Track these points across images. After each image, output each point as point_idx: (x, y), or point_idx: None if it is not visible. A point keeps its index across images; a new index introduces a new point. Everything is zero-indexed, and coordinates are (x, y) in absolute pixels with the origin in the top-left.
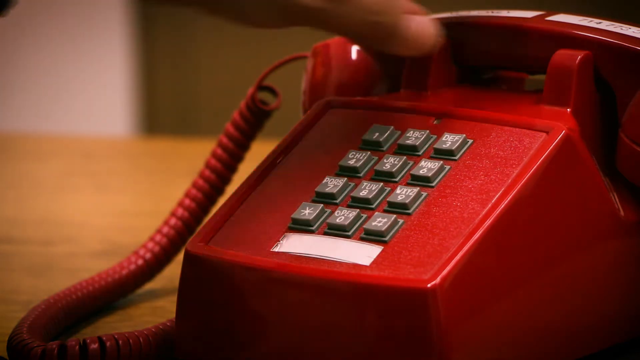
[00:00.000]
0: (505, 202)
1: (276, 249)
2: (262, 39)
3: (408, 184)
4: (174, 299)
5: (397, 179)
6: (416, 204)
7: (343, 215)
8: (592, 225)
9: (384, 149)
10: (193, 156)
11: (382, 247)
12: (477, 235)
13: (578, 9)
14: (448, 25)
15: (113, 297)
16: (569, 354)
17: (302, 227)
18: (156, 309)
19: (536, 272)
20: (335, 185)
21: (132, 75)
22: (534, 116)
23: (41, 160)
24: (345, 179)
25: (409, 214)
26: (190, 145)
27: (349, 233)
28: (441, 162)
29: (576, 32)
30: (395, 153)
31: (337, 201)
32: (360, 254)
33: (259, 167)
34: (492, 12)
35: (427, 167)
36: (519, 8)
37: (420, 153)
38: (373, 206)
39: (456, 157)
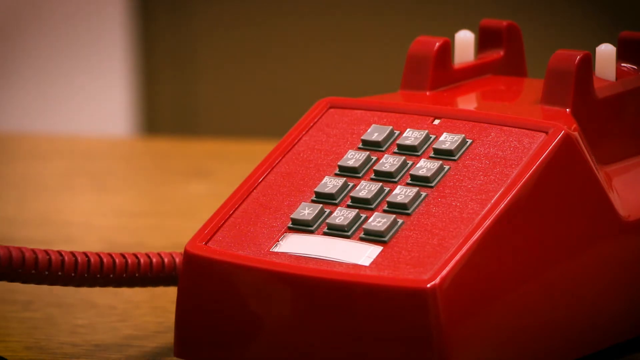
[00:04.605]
0: (505, 202)
1: (275, 249)
2: (262, 40)
3: (407, 184)
4: (173, 299)
5: (396, 179)
6: (415, 204)
7: (342, 216)
8: (592, 225)
9: (383, 149)
10: (193, 156)
11: (382, 248)
12: (477, 236)
13: (579, 9)
14: None
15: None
16: (569, 354)
17: (302, 227)
18: (156, 309)
19: (536, 272)
20: (334, 186)
21: (132, 75)
22: (534, 116)
23: (41, 160)
24: (345, 179)
25: (408, 214)
26: (190, 145)
27: (349, 233)
28: (440, 162)
29: None
30: (395, 153)
31: (337, 201)
32: (359, 254)
33: (258, 167)
34: None
35: (426, 167)
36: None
37: (419, 153)
38: (372, 206)
39: (455, 157)
